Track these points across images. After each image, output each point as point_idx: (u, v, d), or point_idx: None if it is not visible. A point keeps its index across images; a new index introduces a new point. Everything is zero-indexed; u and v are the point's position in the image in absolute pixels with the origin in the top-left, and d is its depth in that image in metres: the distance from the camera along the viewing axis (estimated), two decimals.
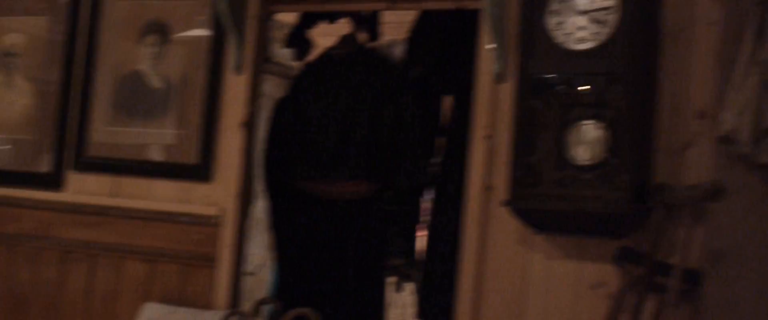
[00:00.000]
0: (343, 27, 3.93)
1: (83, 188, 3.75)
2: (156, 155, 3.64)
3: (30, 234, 3.78)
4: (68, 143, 3.78)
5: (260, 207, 3.96)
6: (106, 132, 3.72)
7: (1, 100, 3.95)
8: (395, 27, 4.14)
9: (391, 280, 3.88)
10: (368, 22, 3.94)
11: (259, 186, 3.81)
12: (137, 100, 3.66)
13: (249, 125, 3.47)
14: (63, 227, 3.72)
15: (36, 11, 3.94)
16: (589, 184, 2.67)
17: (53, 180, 3.78)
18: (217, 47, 3.53)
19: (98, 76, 3.74)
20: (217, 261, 3.42)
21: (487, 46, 3.06)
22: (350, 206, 3.74)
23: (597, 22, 2.76)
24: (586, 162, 2.71)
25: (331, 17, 3.95)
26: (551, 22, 2.82)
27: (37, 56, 3.90)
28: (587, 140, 2.72)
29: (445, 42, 3.71)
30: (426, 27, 3.78)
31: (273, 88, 4.13)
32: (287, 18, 4.01)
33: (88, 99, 3.75)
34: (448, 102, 3.86)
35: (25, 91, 3.90)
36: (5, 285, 3.82)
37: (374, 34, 3.98)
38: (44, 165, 3.82)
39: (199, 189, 3.52)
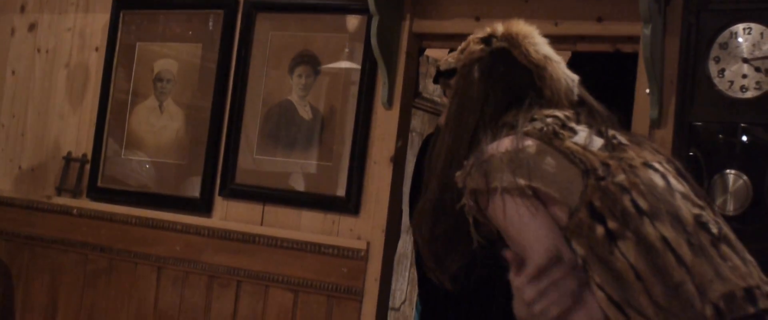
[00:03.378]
0: None
1: (231, 214, 4.02)
2: (298, 185, 3.89)
3: (178, 257, 4.07)
4: (217, 170, 4.05)
5: (406, 243, 4.16)
6: (254, 160, 3.99)
7: (152, 124, 4.26)
8: None
9: None
10: None
11: (406, 222, 4.02)
12: (286, 130, 3.92)
13: (397, 160, 3.68)
14: (210, 252, 4.00)
15: (189, 39, 4.25)
16: None
17: (202, 206, 4.07)
18: (366, 80, 3.75)
19: (248, 105, 4.01)
20: (363, 295, 3.64)
21: (644, 91, 3.20)
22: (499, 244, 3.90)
23: (759, 70, 2.88)
24: (729, 213, 2.83)
25: None
26: (712, 69, 2.95)
27: (188, 83, 4.20)
28: (731, 190, 2.84)
29: (598, 84, 3.84)
30: (579, 68, 3.92)
31: (422, 124, 4.34)
32: (437, 53, 4.21)
33: (237, 127, 4.02)
34: None
35: (176, 116, 4.20)
36: (153, 306, 4.13)
37: None
38: (193, 191, 4.11)
39: (346, 222, 3.75)
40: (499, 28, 2.02)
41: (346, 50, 3.87)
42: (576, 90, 2.01)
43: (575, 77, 2.01)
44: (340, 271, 3.69)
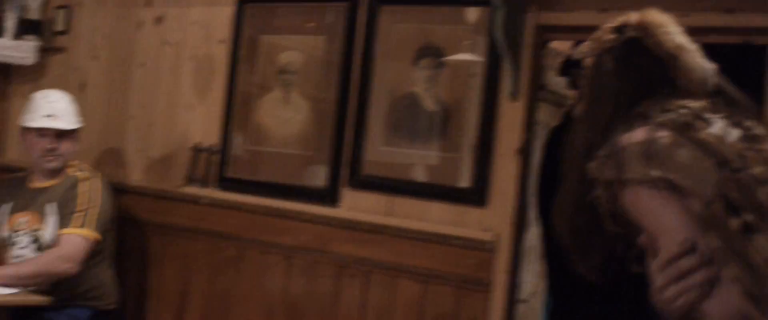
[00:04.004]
0: None
1: (358, 205, 4.16)
2: (422, 176, 4.00)
3: (306, 247, 4.23)
4: (343, 160, 4.19)
5: (533, 235, 4.25)
6: (380, 151, 4.11)
7: (278, 116, 4.42)
8: None
9: None
10: None
11: (533, 214, 4.10)
12: (411, 122, 4.03)
13: (524, 152, 3.77)
14: (338, 242, 4.15)
15: (313, 31, 4.39)
16: None
17: (329, 196, 4.22)
18: (491, 72, 3.84)
19: (373, 97, 4.13)
20: (491, 286, 3.74)
21: None
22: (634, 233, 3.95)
23: None
24: None
25: None
26: None
27: (313, 75, 4.34)
28: None
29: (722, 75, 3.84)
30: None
31: (547, 116, 4.41)
32: (562, 46, 4.27)
33: (363, 118, 4.15)
34: None
35: (301, 108, 4.35)
36: (282, 295, 4.30)
37: None
38: (320, 181, 4.25)
39: (472, 214, 3.85)
40: (633, 17, 2.04)
41: (468, 42, 3.95)
42: (712, 80, 2.02)
43: (712, 66, 2.02)
44: (467, 263, 3.80)
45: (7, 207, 4.40)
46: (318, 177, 4.29)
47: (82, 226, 4.23)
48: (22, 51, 5.22)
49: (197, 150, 4.66)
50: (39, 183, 4.42)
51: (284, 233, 4.31)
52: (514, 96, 3.77)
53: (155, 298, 4.74)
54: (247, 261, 4.43)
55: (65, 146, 4.37)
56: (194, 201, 4.61)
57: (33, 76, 5.42)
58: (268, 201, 4.37)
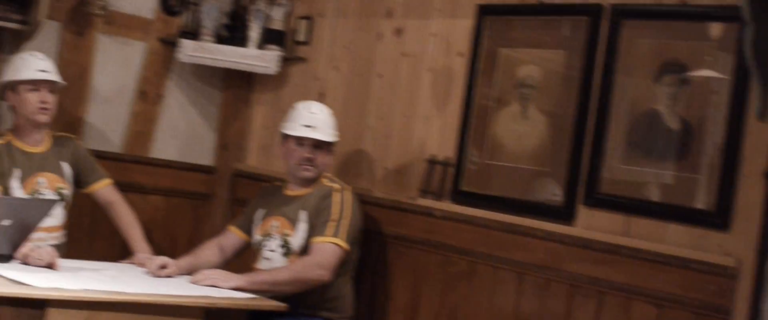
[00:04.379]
0: None
1: (593, 224, 4.11)
2: (659, 196, 3.92)
3: (539, 265, 4.21)
4: (580, 178, 4.15)
5: None
6: (619, 169, 4.06)
7: (515, 130, 4.43)
8: None
9: None
10: None
11: None
12: (651, 140, 3.95)
13: None
14: (572, 261, 4.11)
15: (551, 45, 4.39)
16: None
17: (565, 214, 4.19)
18: (737, 91, 3.71)
19: (613, 113, 4.07)
20: (732, 314, 3.62)
21: None
22: None
23: None
24: None
25: None
26: None
27: (551, 89, 4.33)
28: None
29: None
30: None
31: None
32: None
33: (602, 135, 4.10)
34: None
35: (538, 123, 4.34)
36: (513, 313, 4.30)
37: None
38: (555, 198, 4.23)
39: (713, 237, 3.74)
40: None
41: (711, 58, 3.85)
42: None
43: None
44: (707, 288, 3.69)
45: (261, 212, 4.60)
46: (553, 193, 4.27)
47: (334, 235, 4.34)
48: (265, 60, 5.45)
49: (432, 162, 4.72)
50: (293, 190, 4.59)
51: (517, 249, 4.30)
52: (761, 115, 3.63)
53: (385, 310, 4.83)
54: (478, 276, 4.45)
55: (321, 157, 4.52)
56: (428, 213, 4.68)
57: (274, 86, 5.64)
58: (501, 216, 4.38)
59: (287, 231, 4.46)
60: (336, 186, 4.51)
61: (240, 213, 4.85)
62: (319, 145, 4.50)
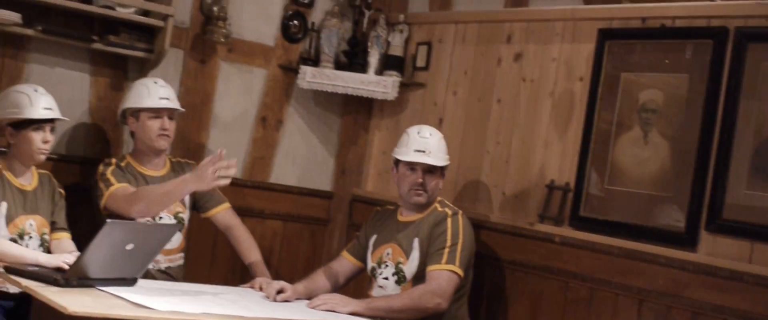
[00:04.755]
0: None
1: (716, 250, 4.07)
2: None
3: (660, 291, 4.18)
4: (703, 203, 4.11)
5: None
6: (742, 195, 4.01)
7: (636, 155, 4.41)
8: None
9: None
10: None
11: None
12: None
13: None
14: (694, 288, 4.06)
15: (673, 69, 4.36)
16: None
17: (687, 240, 4.15)
18: None
19: (737, 138, 4.04)
20: None
21: None
22: None
23: None
24: None
25: None
26: None
27: (674, 114, 4.30)
28: None
29: None
30: None
31: None
32: None
33: (725, 160, 4.06)
34: None
35: (660, 148, 4.32)
36: None
37: None
38: (676, 224, 4.20)
39: None
40: None
41: None
42: None
43: None
44: None
45: (374, 239, 4.66)
46: (675, 219, 4.24)
47: (450, 262, 4.37)
48: (385, 86, 5.52)
49: (552, 187, 4.73)
50: (406, 216, 4.63)
51: (637, 275, 4.28)
52: None
53: None
54: (598, 302, 4.43)
55: (432, 182, 4.55)
56: (548, 239, 4.67)
57: (393, 111, 5.71)
58: (621, 242, 4.35)
59: (401, 260, 4.50)
60: (448, 211, 4.53)
61: (353, 238, 4.90)
62: (430, 170, 4.53)
